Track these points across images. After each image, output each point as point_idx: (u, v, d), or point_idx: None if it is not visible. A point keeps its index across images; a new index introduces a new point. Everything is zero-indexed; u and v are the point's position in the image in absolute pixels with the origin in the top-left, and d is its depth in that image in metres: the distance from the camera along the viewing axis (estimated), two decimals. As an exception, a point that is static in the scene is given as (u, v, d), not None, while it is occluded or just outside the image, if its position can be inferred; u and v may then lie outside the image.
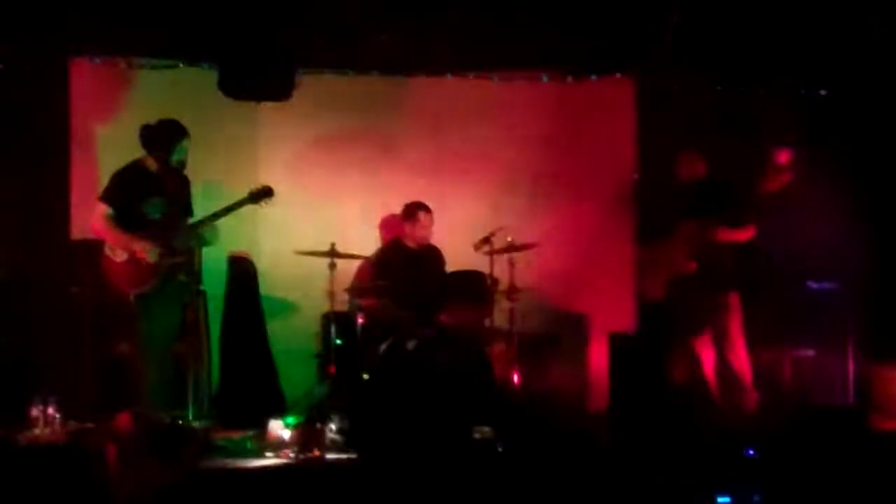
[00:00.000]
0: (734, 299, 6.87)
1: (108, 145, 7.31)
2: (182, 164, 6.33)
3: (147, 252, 6.15)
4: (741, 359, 6.82)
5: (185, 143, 6.30)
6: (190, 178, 6.50)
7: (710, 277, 6.84)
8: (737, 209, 6.78)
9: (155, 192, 6.25)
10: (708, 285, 6.84)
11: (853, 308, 7.30)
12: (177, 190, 6.33)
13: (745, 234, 6.87)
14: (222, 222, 6.42)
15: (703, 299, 6.86)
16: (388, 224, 7.74)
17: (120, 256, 6.21)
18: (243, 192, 6.42)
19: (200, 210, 6.44)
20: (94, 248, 6.44)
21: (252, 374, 7.27)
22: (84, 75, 7.45)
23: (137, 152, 6.32)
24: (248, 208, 6.58)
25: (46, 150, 7.28)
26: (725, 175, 7.00)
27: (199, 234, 6.33)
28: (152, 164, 6.29)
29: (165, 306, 6.31)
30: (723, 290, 6.86)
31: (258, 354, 7.39)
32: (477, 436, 6.17)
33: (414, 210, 7.35)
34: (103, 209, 6.23)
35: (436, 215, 7.40)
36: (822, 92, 8.03)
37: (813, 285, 7.38)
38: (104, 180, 6.39)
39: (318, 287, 6.95)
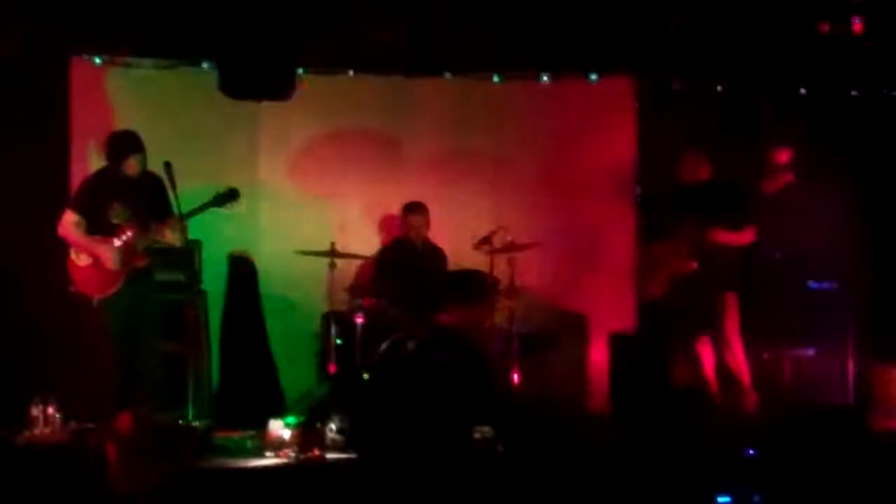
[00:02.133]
0: (733, 300, 6.87)
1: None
2: (133, 179, 6.31)
3: (109, 259, 6.21)
4: (739, 359, 6.83)
5: (134, 158, 6.29)
6: (190, 177, 6.49)
7: (711, 278, 6.84)
8: (737, 210, 6.78)
9: (118, 198, 6.27)
10: (708, 286, 6.84)
11: (853, 308, 7.30)
12: (142, 194, 6.34)
13: (745, 236, 6.87)
14: (219, 223, 6.43)
15: (703, 300, 6.87)
16: (387, 224, 7.73)
17: (83, 261, 6.28)
18: (242, 192, 6.44)
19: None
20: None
21: (252, 374, 7.27)
22: (84, 75, 7.44)
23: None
24: (248, 208, 6.59)
25: (46, 149, 7.28)
26: (726, 176, 7.00)
27: (173, 233, 6.34)
28: (114, 172, 6.32)
29: (137, 306, 6.34)
30: (723, 291, 6.86)
31: (258, 354, 7.38)
32: (477, 436, 6.17)
33: (403, 212, 7.34)
34: (70, 216, 6.29)
35: (436, 215, 7.40)
36: (822, 92, 8.02)
37: (813, 285, 7.38)
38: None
39: (318, 287, 6.95)
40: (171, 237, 6.33)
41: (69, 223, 6.28)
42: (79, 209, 6.29)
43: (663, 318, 7.12)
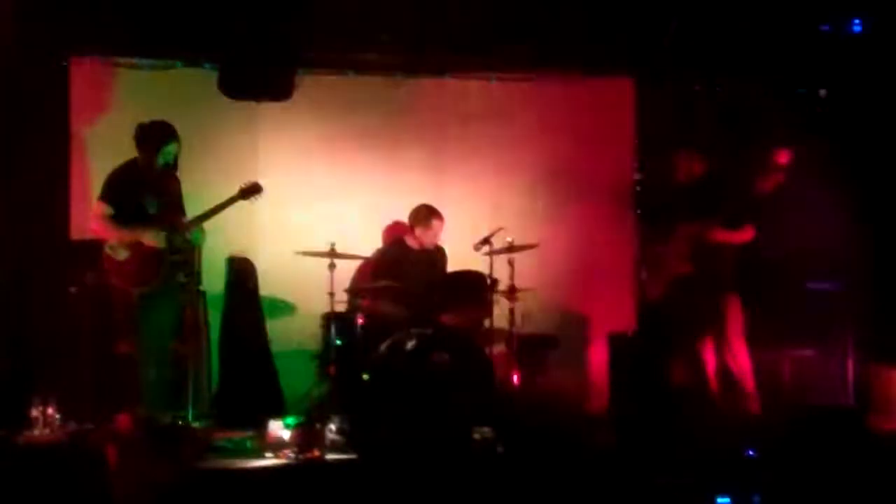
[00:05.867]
0: (734, 300, 6.86)
1: (107, 145, 7.30)
2: (170, 166, 6.32)
3: (155, 239, 6.15)
4: (742, 360, 6.80)
5: (172, 146, 6.28)
6: (190, 177, 6.48)
7: (710, 278, 6.83)
8: (736, 210, 6.78)
9: (150, 191, 6.25)
10: (707, 286, 6.84)
11: (853, 308, 7.30)
12: (170, 189, 6.33)
13: (744, 235, 6.87)
14: (218, 223, 6.43)
15: (702, 300, 6.86)
16: (392, 230, 7.72)
17: (122, 255, 6.20)
18: (241, 193, 6.45)
19: (197, 210, 6.43)
20: (94, 248, 6.43)
21: (252, 374, 7.27)
22: (84, 75, 7.44)
23: (135, 152, 6.32)
24: (248, 209, 6.59)
25: (46, 150, 7.27)
26: (724, 175, 7.00)
27: (191, 232, 6.33)
28: (144, 164, 6.29)
29: (164, 306, 6.32)
30: (722, 292, 6.85)
31: (258, 354, 7.38)
32: (477, 436, 6.17)
33: (428, 216, 7.30)
34: (102, 208, 6.21)
35: (436, 215, 7.41)
36: (822, 91, 8.02)
37: (813, 285, 7.38)
38: (100, 180, 6.40)
39: (318, 287, 6.95)
40: (195, 234, 6.31)
41: (102, 215, 6.19)
42: (109, 201, 6.19)
43: (663, 319, 7.12)
